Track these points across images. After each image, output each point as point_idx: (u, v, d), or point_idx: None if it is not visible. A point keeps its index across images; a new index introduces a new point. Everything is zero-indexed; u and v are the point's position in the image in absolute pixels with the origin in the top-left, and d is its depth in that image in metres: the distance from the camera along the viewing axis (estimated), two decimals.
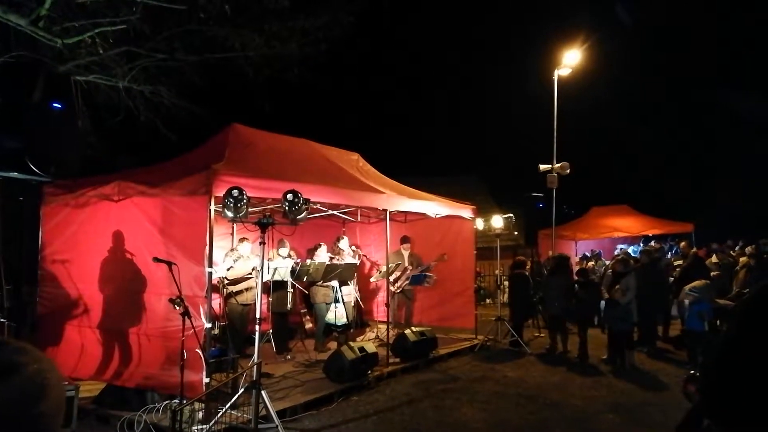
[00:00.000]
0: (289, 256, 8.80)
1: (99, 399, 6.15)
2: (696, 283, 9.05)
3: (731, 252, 13.22)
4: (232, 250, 8.11)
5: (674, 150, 29.85)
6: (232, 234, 9.05)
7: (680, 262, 12.58)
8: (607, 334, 9.11)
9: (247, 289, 7.86)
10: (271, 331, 8.57)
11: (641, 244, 16.58)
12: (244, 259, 7.87)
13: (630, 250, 15.68)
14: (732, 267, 12.41)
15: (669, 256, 14.41)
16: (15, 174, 3.63)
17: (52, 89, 3.73)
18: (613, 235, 17.09)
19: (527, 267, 11.87)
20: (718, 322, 9.89)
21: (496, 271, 14.18)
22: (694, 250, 12.98)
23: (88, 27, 8.44)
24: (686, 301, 8.90)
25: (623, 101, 33.15)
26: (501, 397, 7.05)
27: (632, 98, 33.19)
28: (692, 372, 1.88)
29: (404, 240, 10.21)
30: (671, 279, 11.15)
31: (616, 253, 14.68)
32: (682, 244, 13.49)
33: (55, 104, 3.75)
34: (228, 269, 7.70)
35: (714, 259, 12.69)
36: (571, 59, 13.69)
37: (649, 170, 30.55)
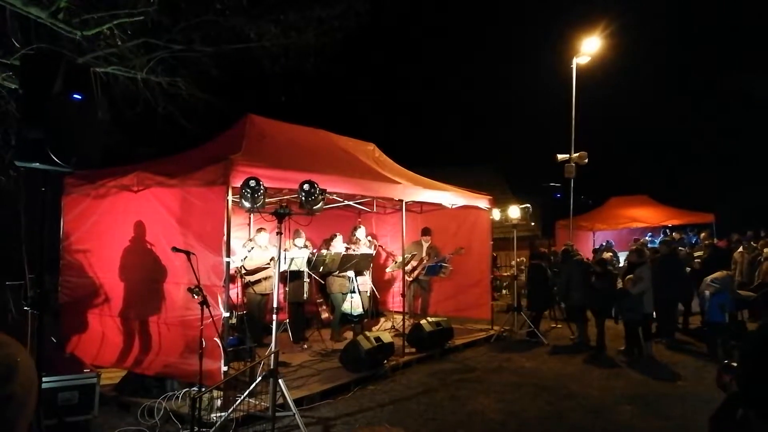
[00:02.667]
0: (305, 246, 8.84)
1: (120, 386, 6.26)
2: (717, 274, 8.93)
3: (753, 243, 12.97)
4: (249, 240, 8.17)
5: (694, 139, 29.33)
6: (249, 224, 9.12)
7: (700, 253, 12.41)
8: (624, 325, 9.04)
9: (265, 279, 7.93)
10: (287, 320, 8.63)
11: (661, 234, 16.39)
12: (261, 249, 7.93)
13: (644, 239, 15.51)
14: (755, 258, 12.20)
15: (690, 242, 14.21)
16: (37, 164, 3.67)
17: (72, 81, 3.76)
18: (632, 225, 16.92)
19: (546, 255, 11.80)
20: (740, 313, 9.77)
21: (512, 262, 14.12)
22: (714, 240, 12.80)
23: (107, 19, 8.51)
24: (707, 293, 8.79)
25: (642, 89, 32.63)
26: (518, 388, 7.03)
27: (651, 86, 32.65)
28: (726, 362, 1.85)
29: (425, 232, 10.18)
30: (689, 270, 11.01)
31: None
32: (702, 234, 13.30)
33: (75, 96, 3.78)
34: (243, 259, 7.77)
35: (741, 249, 12.49)
36: (589, 47, 13.52)
37: (669, 159, 30.10)
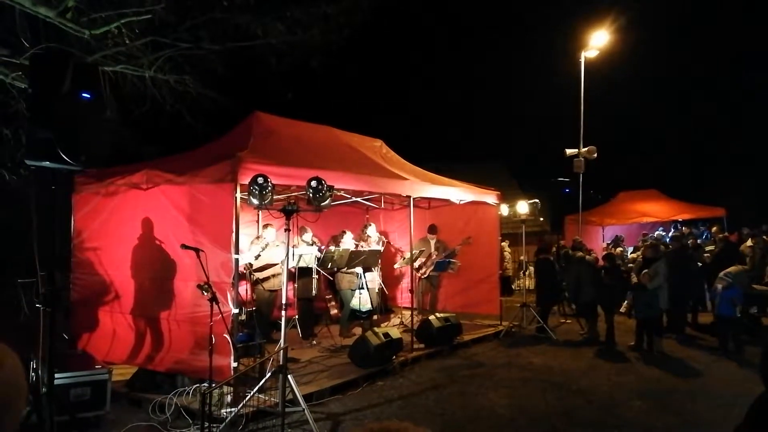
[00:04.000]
0: (313, 242, 8.85)
1: (131, 382, 6.32)
2: (731, 268, 8.84)
3: (764, 237, 12.84)
4: (257, 237, 8.18)
5: (705, 133, 29.05)
6: (257, 221, 9.15)
7: (711, 247, 12.30)
8: (635, 320, 8.99)
9: (273, 276, 7.95)
10: (296, 317, 8.66)
11: (672, 229, 16.27)
12: (271, 245, 7.95)
13: (657, 233, 15.38)
14: (766, 251, 12.07)
15: (698, 240, 14.10)
16: (47, 163, 3.70)
17: (80, 80, 3.79)
18: (642, 220, 16.78)
19: (553, 252, 11.75)
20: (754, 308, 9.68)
21: (521, 257, 14.06)
22: (726, 234, 12.67)
23: (114, 18, 8.55)
24: (719, 286, 8.71)
25: (651, 83, 32.38)
26: (526, 384, 7.02)
27: (661, 79, 32.34)
28: None
29: (431, 230, 10.18)
30: (699, 264, 10.94)
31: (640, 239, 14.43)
32: (713, 228, 13.17)
33: (84, 94, 3.81)
34: (256, 257, 7.77)
35: (749, 242, 12.37)
36: (598, 41, 13.42)
37: (679, 153, 29.82)
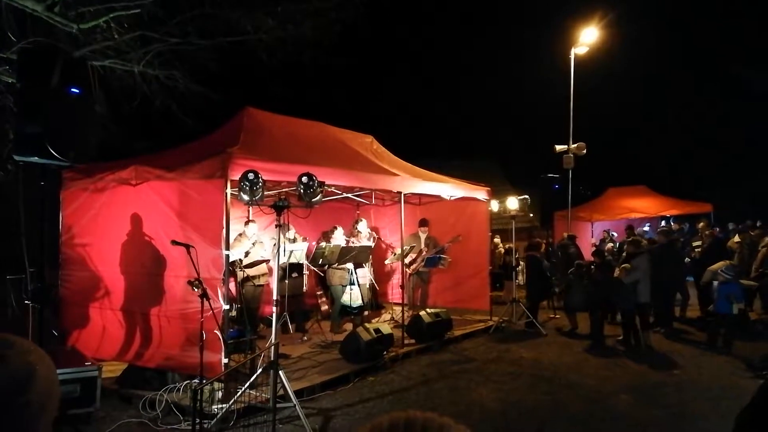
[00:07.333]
0: (295, 239, 8.73)
1: (121, 379, 6.29)
2: (720, 264, 8.90)
3: (751, 233, 12.99)
4: (240, 234, 8.04)
5: (693, 129, 29.28)
6: (248, 217, 9.12)
7: (698, 242, 12.43)
8: (620, 315, 9.08)
9: (262, 273, 7.95)
10: (286, 312, 8.64)
11: (662, 223, 16.40)
12: (258, 242, 7.92)
13: (639, 230, 15.52)
14: (753, 247, 12.22)
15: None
16: (35, 159, 3.68)
17: (69, 75, 3.76)
18: (630, 215, 16.92)
19: (542, 248, 11.81)
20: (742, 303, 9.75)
21: (511, 250, 14.11)
22: (713, 230, 12.81)
23: (103, 12, 8.49)
24: (715, 283, 8.77)
25: (640, 79, 32.59)
26: (516, 378, 7.08)
27: (649, 75, 32.56)
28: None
29: (422, 223, 10.20)
30: (688, 260, 11.04)
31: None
32: (700, 224, 13.30)
33: (72, 89, 3.78)
34: (246, 254, 7.73)
35: (737, 238, 12.51)
36: (587, 37, 13.49)
37: (668, 150, 30.05)
